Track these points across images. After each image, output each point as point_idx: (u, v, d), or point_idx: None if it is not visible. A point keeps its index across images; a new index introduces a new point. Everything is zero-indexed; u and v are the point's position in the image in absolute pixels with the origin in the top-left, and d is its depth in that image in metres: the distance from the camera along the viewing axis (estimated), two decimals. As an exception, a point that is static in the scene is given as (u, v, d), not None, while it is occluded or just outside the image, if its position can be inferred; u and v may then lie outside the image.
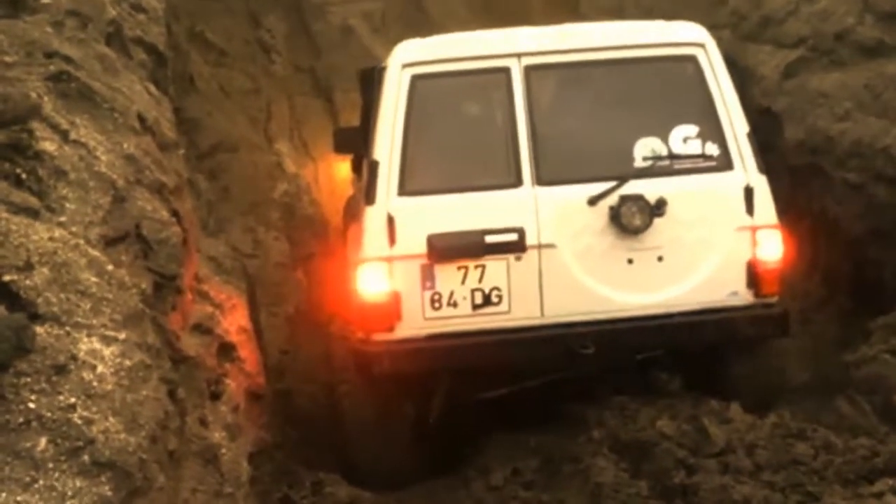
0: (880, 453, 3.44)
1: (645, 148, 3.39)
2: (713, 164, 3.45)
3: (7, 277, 2.34)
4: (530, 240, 3.26)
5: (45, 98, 3.17)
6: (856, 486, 3.29)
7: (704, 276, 3.37)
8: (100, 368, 2.29)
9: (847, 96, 5.89)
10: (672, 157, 3.39)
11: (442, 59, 3.37)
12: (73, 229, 2.75)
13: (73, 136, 3.08)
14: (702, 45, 3.52)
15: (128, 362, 2.40)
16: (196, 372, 3.04)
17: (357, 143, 4.23)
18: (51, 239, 2.60)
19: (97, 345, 2.36)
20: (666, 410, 3.78)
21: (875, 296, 5.13)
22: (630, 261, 3.34)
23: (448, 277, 3.20)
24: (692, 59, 3.45)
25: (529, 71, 3.35)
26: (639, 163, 3.39)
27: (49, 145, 2.95)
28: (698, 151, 3.41)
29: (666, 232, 3.35)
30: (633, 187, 3.31)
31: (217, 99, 6.14)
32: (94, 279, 2.55)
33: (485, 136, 3.45)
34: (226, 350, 3.38)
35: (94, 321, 2.44)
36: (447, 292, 3.21)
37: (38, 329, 2.27)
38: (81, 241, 2.70)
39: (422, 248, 3.21)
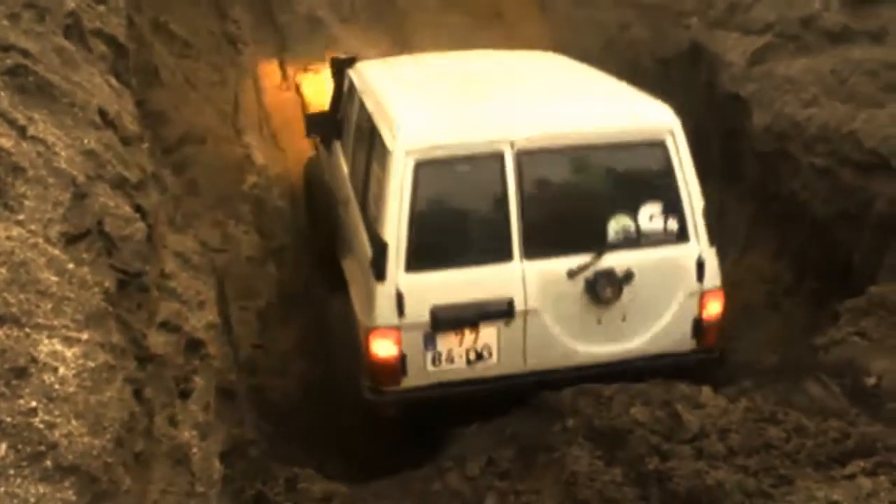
0: (851, 435, 3.48)
1: (617, 224, 3.82)
2: (673, 237, 3.89)
3: (-37, 279, 2.27)
4: (518, 306, 3.75)
5: (2, 93, 3.08)
6: (828, 468, 3.32)
7: (658, 329, 3.92)
8: (61, 370, 2.23)
9: (813, 81, 5.95)
10: (639, 233, 3.84)
11: (443, 146, 3.70)
12: (32, 227, 2.67)
13: (30, 131, 3.00)
14: (670, 132, 3.88)
15: (91, 363, 2.34)
16: (164, 370, 2.98)
17: (326, 125, 4.83)
18: (8, 238, 2.53)
19: (58, 346, 2.30)
20: (639, 397, 3.78)
21: (843, 279, 5.19)
22: (599, 321, 3.87)
23: (447, 341, 3.76)
24: (661, 144, 3.83)
25: (520, 155, 3.70)
26: (611, 237, 3.83)
27: (6, 141, 2.87)
28: (661, 227, 3.85)
29: (630, 297, 3.85)
30: (605, 260, 3.81)
31: (183, 91, 6.02)
32: (54, 278, 2.48)
33: (480, 214, 3.84)
34: (195, 347, 3.32)
35: (55, 322, 2.38)
36: (446, 351, 3.76)
37: (-4, 331, 2.20)
38: (41, 240, 2.63)
39: (426, 317, 3.71)
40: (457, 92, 4.21)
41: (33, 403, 2.11)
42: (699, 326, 3.89)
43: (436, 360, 3.75)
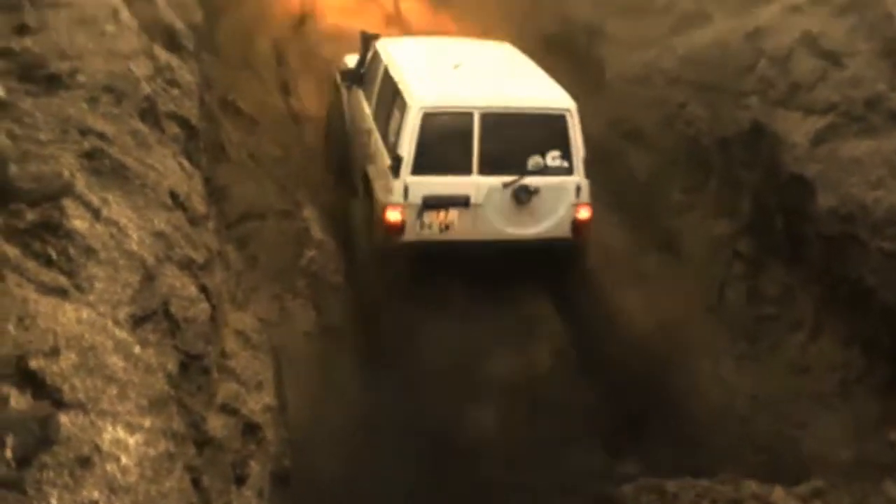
0: (936, 544, 3.25)
1: (533, 160, 6.13)
2: (564, 171, 6.21)
3: (34, 363, 2.30)
4: (472, 201, 6.04)
5: (78, 175, 3.18)
6: (912, 581, 3.10)
7: (552, 223, 6.26)
8: (123, 460, 2.22)
9: (880, 164, 5.81)
10: (546, 167, 6.15)
11: (440, 106, 6.06)
12: (102, 309, 2.71)
13: (104, 213, 3.08)
14: (569, 110, 6.17)
15: (152, 451, 2.33)
16: (221, 455, 2.96)
17: (353, 77, 7.40)
18: (79, 321, 2.56)
19: (122, 433, 2.30)
20: (706, 495, 3.62)
21: (918, 368, 4.95)
22: (518, 214, 6.14)
23: (430, 216, 6.03)
24: (562, 117, 6.18)
25: (482, 116, 6.05)
26: (530, 167, 6.13)
27: (80, 223, 2.95)
28: (558, 164, 6.19)
29: (537, 202, 6.15)
30: (525, 180, 6.13)
31: (247, 167, 6.18)
32: (121, 363, 2.50)
33: (456, 146, 6.08)
34: (251, 430, 3.29)
35: (120, 407, 2.38)
36: (428, 222, 6.03)
37: (63, 418, 2.21)
38: (109, 322, 2.66)
39: (419, 201, 5.96)
40: (447, 74, 6.56)
41: (95, 494, 2.10)
42: (575, 223, 6.29)
43: (422, 227, 5.97)
